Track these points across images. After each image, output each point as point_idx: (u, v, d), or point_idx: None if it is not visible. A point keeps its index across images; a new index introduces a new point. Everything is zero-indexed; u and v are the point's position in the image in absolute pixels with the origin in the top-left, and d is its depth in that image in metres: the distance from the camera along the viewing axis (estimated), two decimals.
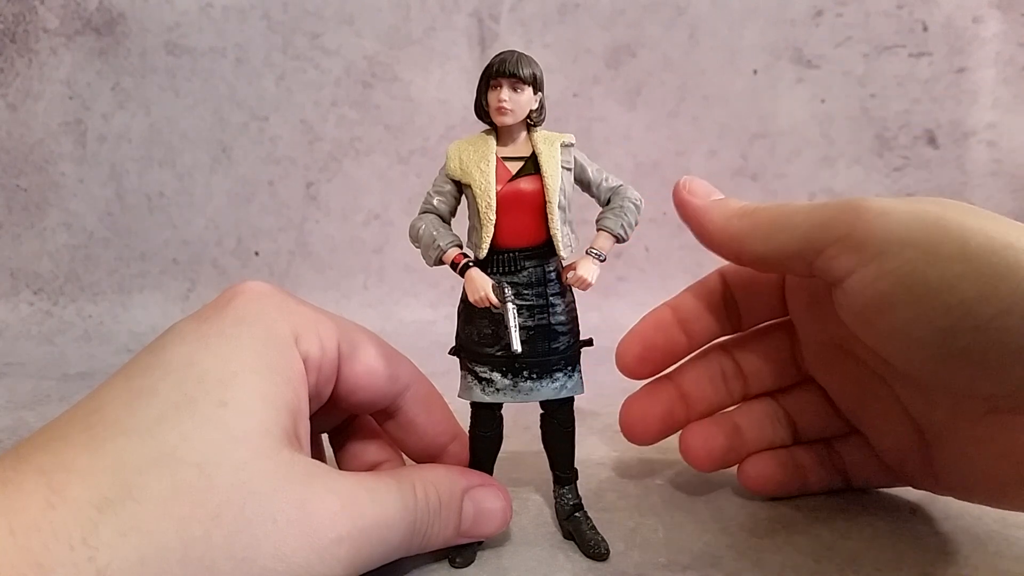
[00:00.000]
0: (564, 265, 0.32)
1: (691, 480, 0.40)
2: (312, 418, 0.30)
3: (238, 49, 0.83)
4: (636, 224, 0.32)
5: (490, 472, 0.34)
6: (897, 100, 0.77)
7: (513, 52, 0.30)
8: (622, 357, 0.36)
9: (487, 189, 0.30)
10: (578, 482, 0.34)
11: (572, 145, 0.31)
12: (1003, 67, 0.74)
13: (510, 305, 0.30)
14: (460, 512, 0.30)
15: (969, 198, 0.76)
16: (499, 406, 0.32)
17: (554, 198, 0.30)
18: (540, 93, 0.31)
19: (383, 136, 0.83)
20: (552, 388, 0.31)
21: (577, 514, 0.33)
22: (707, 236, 0.33)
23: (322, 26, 0.82)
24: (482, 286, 0.30)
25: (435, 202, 0.32)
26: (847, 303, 0.28)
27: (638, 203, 0.32)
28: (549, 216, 0.30)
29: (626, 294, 0.78)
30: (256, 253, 0.85)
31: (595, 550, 0.31)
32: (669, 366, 0.37)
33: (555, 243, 0.30)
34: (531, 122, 0.31)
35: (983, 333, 0.24)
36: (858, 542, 0.32)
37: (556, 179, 0.30)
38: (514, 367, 0.31)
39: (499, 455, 0.34)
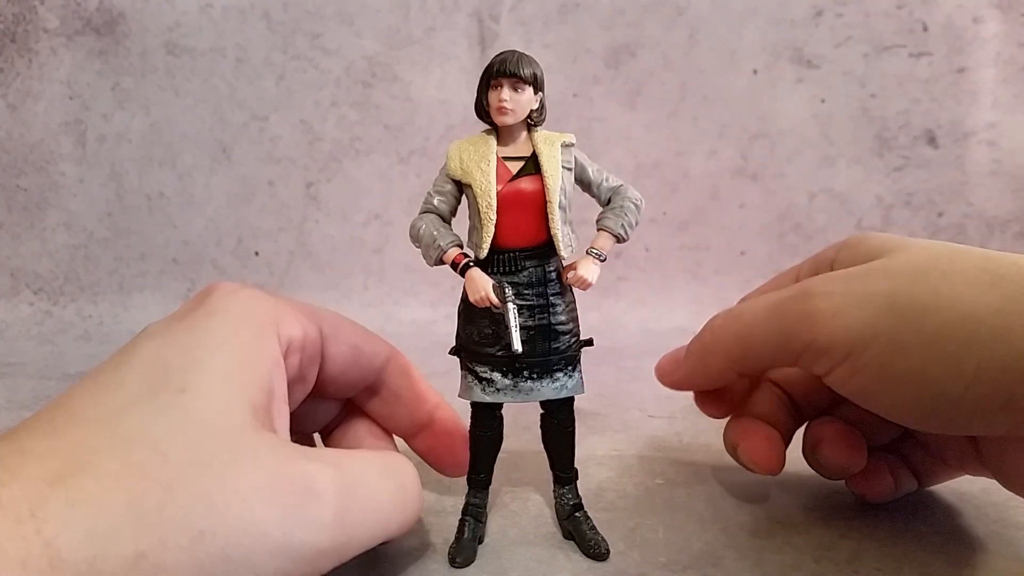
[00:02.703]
0: (564, 265, 0.32)
1: (691, 480, 0.40)
2: (304, 411, 0.31)
3: (238, 49, 0.83)
4: (637, 224, 0.32)
5: (490, 472, 0.34)
6: (897, 100, 0.77)
7: (514, 52, 0.30)
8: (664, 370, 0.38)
9: (488, 189, 0.30)
10: (578, 482, 0.34)
11: (572, 145, 0.31)
12: (1003, 67, 0.74)
13: (511, 305, 0.30)
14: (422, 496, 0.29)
15: (969, 198, 0.76)
16: (499, 406, 0.32)
17: (555, 198, 0.30)
18: (540, 93, 0.31)
19: (383, 136, 0.83)
20: (552, 388, 0.31)
21: (577, 514, 0.33)
22: (706, 385, 0.36)
23: (322, 26, 0.82)
24: (483, 286, 0.30)
25: (435, 202, 0.32)
26: (838, 390, 0.29)
27: (638, 203, 0.32)
28: (550, 216, 0.30)
29: (626, 294, 0.78)
30: (256, 253, 0.85)
31: (595, 550, 0.31)
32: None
33: (556, 243, 0.30)
34: (531, 122, 0.31)
35: (964, 403, 0.26)
36: (858, 542, 0.32)
37: (557, 179, 0.30)
38: (515, 367, 0.31)
39: (499, 455, 0.34)
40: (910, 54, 0.76)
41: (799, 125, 0.78)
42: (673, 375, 0.36)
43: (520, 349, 0.30)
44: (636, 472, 0.41)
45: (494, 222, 0.30)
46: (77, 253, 0.86)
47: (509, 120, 0.30)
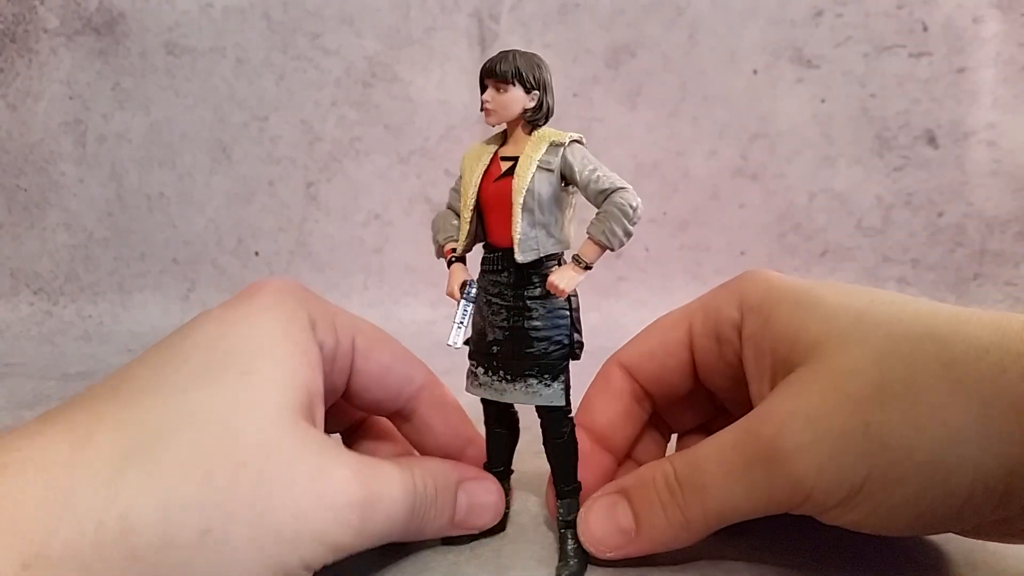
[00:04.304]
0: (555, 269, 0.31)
1: None
2: (327, 415, 0.31)
3: (238, 49, 0.83)
4: (625, 230, 0.29)
5: (503, 466, 0.34)
6: (897, 100, 0.77)
7: (505, 52, 0.30)
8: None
9: (467, 187, 0.31)
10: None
11: (566, 144, 0.30)
12: (1003, 67, 0.74)
13: (462, 302, 0.31)
14: (455, 502, 0.31)
15: (969, 198, 0.76)
16: (507, 404, 0.32)
17: (518, 199, 0.29)
18: (537, 91, 0.30)
19: (383, 136, 0.83)
20: (524, 393, 0.31)
21: (564, 531, 0.32)
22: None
23: (322, 26, 0.82)
24: (450, 281, 0.31)
25: (450, 198, 0.33)
26: (830, 523, 0.27)
27: (625, 207, 0.29)
28: (512, 217, 0.29)
29: (626, 294, 0.78)
30: (256, 253, 0.85)
31: (560, 571, 0.30)
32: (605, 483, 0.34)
33: (513, 245, 0.29)
34: (528, 120, 0.30)
35: (959, 518, 0.25)
36: (858, 542, 0.32)
37: (524, 180, 0.29)
38: (492, 364, 0.31)
39: None
40: (910, 54, 0.76)
41: (799, 125, 0.78)
42: (626, 548, 0.30)
43: (451, 343, 0.31)
44: None
45: (468, 220, 0.31)
46: (77, 253, 0.86)
47: (492, 120, 0.30)
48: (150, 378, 0.25)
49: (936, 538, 0.33)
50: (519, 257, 0.29)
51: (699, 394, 0.35)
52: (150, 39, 0.83)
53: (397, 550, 0.32)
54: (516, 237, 0.29)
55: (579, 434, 0.33)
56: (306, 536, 0.24)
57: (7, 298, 0.85)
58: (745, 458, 0.27)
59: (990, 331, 0.24)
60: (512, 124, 0.31)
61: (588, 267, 0.29)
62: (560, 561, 0.31)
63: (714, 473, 0.28)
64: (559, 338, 0.30)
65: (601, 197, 0.29)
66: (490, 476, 0.33)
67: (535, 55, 0.30)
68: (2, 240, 0.86)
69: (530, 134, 0.30)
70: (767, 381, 0.29)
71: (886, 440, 0.24)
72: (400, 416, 0.34)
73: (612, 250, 0.29)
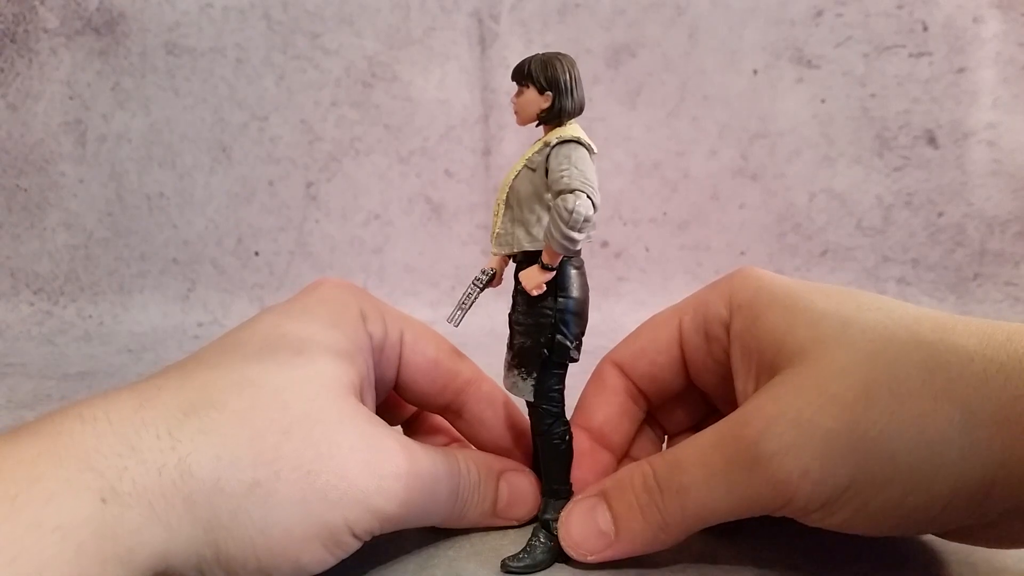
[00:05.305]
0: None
1: None
2: (381, 409, 0.33)
3: (238, 49, 0.83)
4: (563, 234, 0.27)
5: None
6: (897, 100, 0.77)
7: (537, 54, 0.30)
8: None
9: (503, 184, 0.31)
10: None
11: (552, 144, 0.29)
12: (1003, 67, 0.74)
13: (470, 285, 0.32)
14: (496, 490, 0.32)
15: (969, 198, 0.76)
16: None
17: (501, 196, 0.31)
18: (550, 92, 0.30)
19: (383, 136, 0.83)
20: (509, 382, 0.32)
21: (536, 527, 0.32)
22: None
23: (322, 26, 0.82)
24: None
25: None
26: (811, 524, 0.27)
27: (561, 210, 0.27)
28: (495, 212, 0.31)
29: (626, 294, 0.78)
30: (256, 253, 0.85)
31: (505, 561, 0.30)
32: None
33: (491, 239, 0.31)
34: (542, 120, 0.30)
35: (940, 520, 0.26)
36: (858, 542, 0.32)
37: (509, 177, 0.31)
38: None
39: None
40: (910, 54, 0.76)
41: (799, 125, 0.78)
42: (605, 552, 0.29)
43: (448, 320, 0.32)
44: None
45: (495, 213, 0.32)
46: (77, 253, 0.86)
47: (518, 121, 0.31)
48: (211, 358, 0.27)
49: (935, 538, 0.33)
50: (493, 249, 0.31)
51: (692, 394, 0.35)
52: (150, 39, 0.83)
53: (397, 550, 0.32)
54: (495, 231, 0.31)
55: (577, 434, 0.33)
56: (351, 499, 0.25)
57: (7, 298, 0.85)
58: (726, 459, 0.27)
59: (975, 340, 0.25)
60: (538, 125, 0.31)
61: (548, 268, 0.29)
62: (516, 551, 0.30)
63: (694, 474, 0.27)
64: (539, 336, 0.31)
65: (555, 198, 0.28)
66: (528, 470, 0.34)
67: (558, 56, 0.30)
68: (2, 240, 0.86)
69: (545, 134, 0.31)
70: (752, 381, 0.29)
71: (870, 443, 0.24)
72: (451, 412, 0.35)
73: (564, 252, 0.29)
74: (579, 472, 0.33)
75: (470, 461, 0.31)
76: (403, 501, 0.26)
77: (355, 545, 0.26)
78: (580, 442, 0.33)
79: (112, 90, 0.84)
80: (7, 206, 0.86)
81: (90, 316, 0.83)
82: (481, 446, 0.35)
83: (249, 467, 0.24)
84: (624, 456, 0.36)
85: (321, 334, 0.29)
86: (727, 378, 0.32)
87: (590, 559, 0.30)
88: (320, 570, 0.25)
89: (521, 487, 0.33)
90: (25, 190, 0.86)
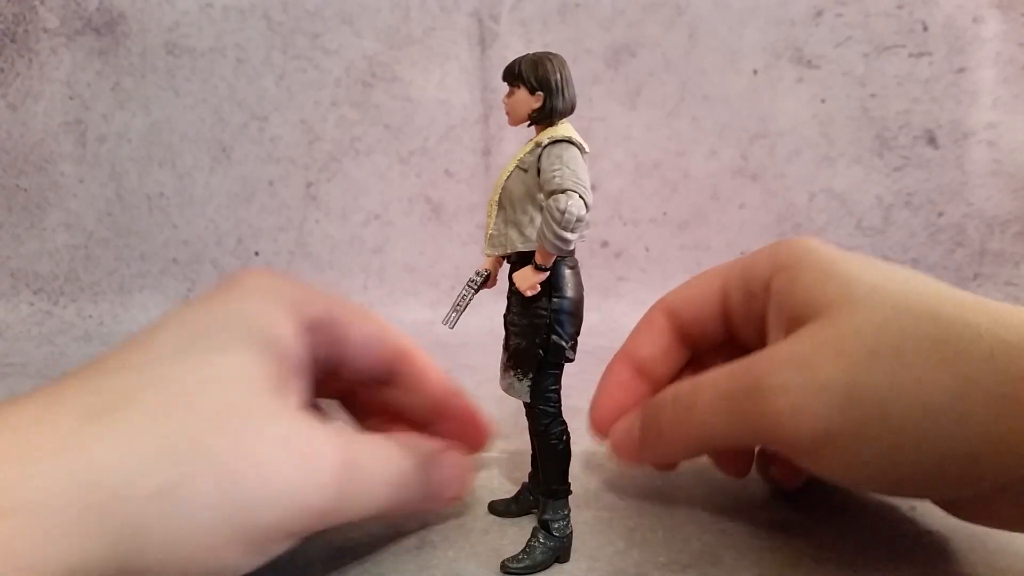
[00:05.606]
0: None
1: (691, 480, 0.40)
2: (321, 386, 0.32)
3: (238, 49, 0.83)
4: (555, 234, 0.28)
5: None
6: (897, 100, 0.77)
7: (527, 55, 0.30)
8: (599, 429, 0.36)
9: (496, 185, 0.32)
10: (580, 482, 0.34)
11: (544, 144, 0.29)
12: (1003, 67, 0.74)
13: (463, 288, 0.32)
14: (427, 473, 0.31)
15: (969, 198, 0.76)
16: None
17: (494, 196, 0.31)
18: (541, 92, 0.29)
19: (383, 136, 0.83)
20: (506, 382, 0.32)
21: (536, 528, 0.32)
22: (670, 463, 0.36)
23: (322, 26, 0.82)
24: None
25: None
26: (803, 467, 0.29)
27: (553, 210, 0.28)
28: (488, 213, 0.31)
29: (626, 294, 0.78)
30: (256, 253, 0.85)
31: (505, 566, 0.30)
32: None
33: (484, 239, 0.32)
34: (534, 121, 0.30)
35: (927, 484, 0.26)
36: (858, 542, 0.32)
37: (502, 178, 0.31)
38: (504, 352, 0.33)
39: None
40: (910, 54, 0.76)
41: (799, 125, 0.78)
42: (632, 455, 0.34)
43: (444, 322, 0.32)
44: (636, 472, 0.41)
45: (488, 214, 0.32)
46: (77, 253, 0.86)
47: (509, 121, 0.31)
48: (121, 358, 0.25)
49: (936, 535, 0.33)
50: (487, 250, 0.31)
51: (732, 349, 0.37)
52: (150, 39, 0.83)
53: (397, 549, 0.32)
54: (488, 232, 0.31)
55: (622, 363, 0.36)
56: (274, 497, 0.24)
57: (7, 298, 0.85)
58: (734, 386, 0.29)
59: (989, 319, 0.25)
60: (532, 125, 0.31)
61: (542, 268, 0.30)
62: (515, 554, 0.31)
63: (705, 396, 0.30)
64: (534, 337, 0.31)
65: (547, 198, 0.29)
66: (453, 449, 0.33)
67: (548, 55, 0.30)
68: (2, 240, 0.86)
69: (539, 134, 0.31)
70: (782, 333, 0.31)
71: (866, 397, 0.25)
72: (388, 379, 0.34)
73: (558, 252, 0.29)
74: (617, 398, 0.35)
75: (407, 448, 0.30)
76: (337, 495, 0.25)
77: (285, 544, 0.25)
78: (621, 371, 0.36)
79: (112, 90, 0.84)
80: (7, 206, 0.86)
81: (90, 316, 0.83)
82: (417, 411, 0.35)
83: (160, 470, 0.22)
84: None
85: (236, 327, 0.27)
86: (763, 334, 0.33)
87: (622, 461, 0.34)
88: (248, 570, 0.24)
89: (449, 466, 0.32)
90: (25, 190, 0.86)
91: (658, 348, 0.37)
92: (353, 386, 0.36)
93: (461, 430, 0.35)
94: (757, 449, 0.38)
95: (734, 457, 0.37)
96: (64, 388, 0.24)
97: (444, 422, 0.35)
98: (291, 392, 0.27)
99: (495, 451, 0.41)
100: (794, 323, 0.30)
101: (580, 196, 0.28)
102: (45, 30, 0.84)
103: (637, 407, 0.34)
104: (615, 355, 0.37)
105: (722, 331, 0.36)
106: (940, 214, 0.77)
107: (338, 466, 0.26)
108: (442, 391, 0.35)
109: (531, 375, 0.31)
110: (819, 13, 0.76)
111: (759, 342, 0.34)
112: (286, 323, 0.28)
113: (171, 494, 0.22)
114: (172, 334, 0.26)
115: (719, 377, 0.30)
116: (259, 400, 0.25)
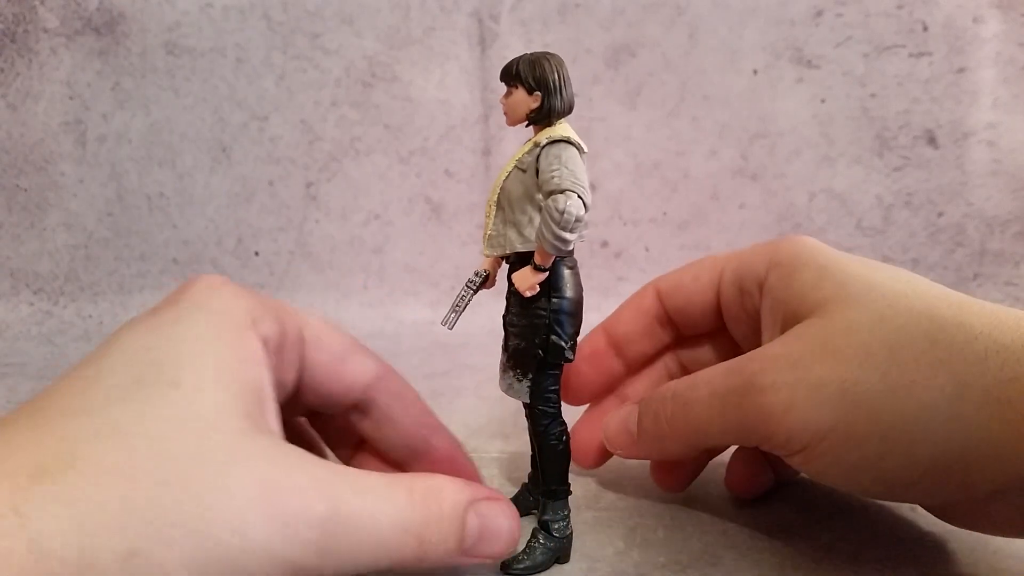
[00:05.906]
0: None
1: None
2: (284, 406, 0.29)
3: (238, 49, 0.83)
4: (554, 234, 0.28)
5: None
6: (897, 100, 0.77)
7: (525, 55, 0.30)
8: (564, 397, 0.35)
9: (494, 185, 0.31)
10: (580, 482, 0.34)
11: (542, 144, 0.29)
12: (1003, 67, 0.74)
13: (462, 289, 0.32)
14: (464, 525, 0.26)
15: (969, 198, 0.76)
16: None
17: (492, 197, 0.31)
18: (538, 92, 0.29)
19: (383, 136, 0.83)
20: (505, 383, 0.32)
21: (536, 529, 0.32)
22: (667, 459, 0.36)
23: (322, 26, 0.82)
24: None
25: None
26: (795, 468, 0.29)
27: (552, 210, 0.28)
28: (487, 214, 0.31)
29: (626, 294, 0.78)
30: (256, 253, 0.85)
31: (507, 565, 0.30)
32: (608, 391, 0.38)
33: (483, 240, 0.31)
34: (532, 121, 0.30)
35: (918, 487, 0.26)
36: (858, 542, 0.32)
37: (500, 179, 0.31)
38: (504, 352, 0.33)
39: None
40: (910, 54, 0.76)
41: (799, 125, 0.78)
42: (628, 450, 0.34)
43: (443, 323, 0.32)
44: (636, 472, 0.41)
45: (487, 214, 0.32)
46: (77, 253, 0.86)
47: (507, 121, 0.31)
48: (68, 398, 0.22)
49: (936, 535, 0.33)
50: (485, 251, 0.31)
51: (722, 340, 0.37)
52: (150, 39, 0.83)
53: None
54: (486, 232, 0.31)
55: (597, 335, 0.37)
56: (252, 555, 0.21)
57: (7, 298, 0.85)
58: (728, 384, 0.29)
59: (985, 321, 0.25)
60: (530, 125, 0.31)
61: (541, 268, 0.29)
62: (515, 553, 0.30)
63: (701, 392, 0.30)
64: (533, 337, 0.31)
65: (545, 199, 0.29)
66: (503, 496, 0.29)
67: (546, 55, 0.30)
68: (2, 240, 0.86)
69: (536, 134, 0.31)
70: (777, 331, 0.31)
71: (858, 397, 0.25)
72: (358, 410, 0.31)
73: (557, 252, 0.29)
74: (585, 368, 0.36)
75: (428, 491, 0.25)
76: (320, 550, 0.22)
77: None
78: (597, 342, 0.36)
79: (112, 90, 0.84)
80: (7, 206, 0.86)
81: (90, 316, 0.83)
82: (392, 446, 0.32)
83: (122, 534, 0.19)
84: (635, 371, 0.38)
85: (198, 353, 0.24)
86: (757, 330, 0.33)
87: (619, 454, 0.34)
88: None
89: (495, 521, 0.27)
90: (25, 190, 0.86)
91: (638, 327, 0.37)
92: (317, 411, 0.32)
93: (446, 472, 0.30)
94: (730, 460, 0.38)
95: (671, 468, 0.36)
96: (5, 437, 0.21)
97: (420, 464, 0.32)
98: (265, 427, 0.24)
99: (495, 451, 0.41)
100: (789, 321, 0.30)
101: (579, 196, 0.28)
102: (45, 30, 0.84)
103: (614, 389, 0.35)
104: (596, 326, 0.38)
105: (712, 321, 0.36)
106: (940, 214, 0.77)
107: (324, 516, 0.22)
108: (420, 427, 0.32)
109: (531, 375, 0.31)
110: (819, 13, 0.76)
111: (752, 337, 0.34)
112: (250, 344, 0.26)
113: (139, 560, 0.19)
114: (123, 364, 0.23)
115: (715, 374, 0.30)
116: (228, 442, 0.22)
